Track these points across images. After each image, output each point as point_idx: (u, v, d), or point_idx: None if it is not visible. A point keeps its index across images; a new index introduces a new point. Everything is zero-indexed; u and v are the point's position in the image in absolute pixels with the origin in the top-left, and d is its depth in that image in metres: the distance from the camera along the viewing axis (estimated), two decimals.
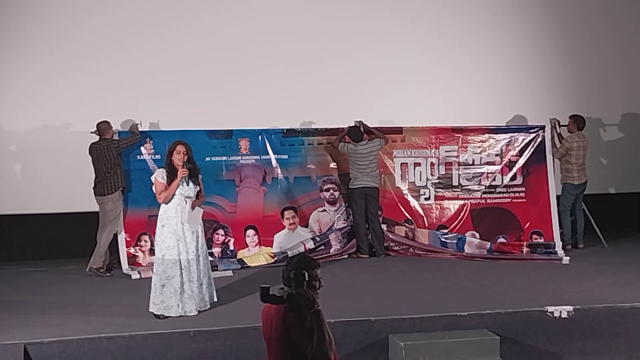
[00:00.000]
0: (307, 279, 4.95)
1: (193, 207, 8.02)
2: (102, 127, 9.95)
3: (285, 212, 10.79)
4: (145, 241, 10.17)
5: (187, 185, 7.99)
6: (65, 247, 10.66)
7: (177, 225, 7.94)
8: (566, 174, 11.31)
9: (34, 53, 10.69)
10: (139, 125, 10.20)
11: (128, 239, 10.17)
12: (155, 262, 8.03)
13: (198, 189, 8.10)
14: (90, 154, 9.94)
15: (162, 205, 8.03)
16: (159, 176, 8.01)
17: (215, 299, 8.23)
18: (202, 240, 8.15)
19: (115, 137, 10.05)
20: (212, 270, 9.52)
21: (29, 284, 9.43)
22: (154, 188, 8.11)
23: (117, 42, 10.89)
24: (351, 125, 10.82)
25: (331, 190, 11.01)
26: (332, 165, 11.05)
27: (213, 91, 11.08)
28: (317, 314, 4.89)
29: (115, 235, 10.07)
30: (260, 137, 10.74)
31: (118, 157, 9.91)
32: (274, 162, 10.78)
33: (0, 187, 10.63)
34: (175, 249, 7.92)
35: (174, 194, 7.95)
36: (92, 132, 9.97)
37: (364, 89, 11.50)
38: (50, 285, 9.37)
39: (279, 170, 10.79)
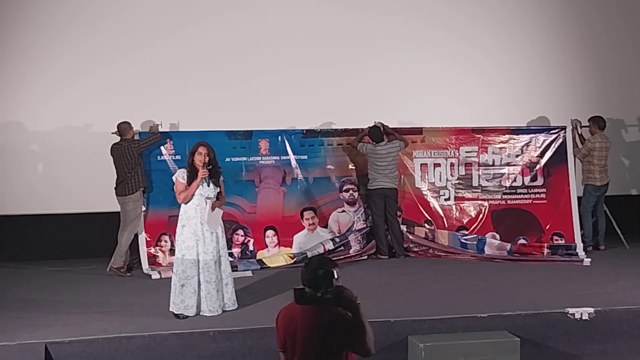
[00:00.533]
0: (335, 277, 4.98)
1: (213, 208, 8.04)
2: (123, 128, 9.99)
3: (305, 213, 10.80)
4: (166, 241, 10.21)
5: (208, 186, 8.01)
6: (86, 247, 10.71)
7: (197, 226, 7.96)
8: (588, 175, 11.25)
9: (55, 54, 10.74)
10: (159, 126, 10.24)
11: (148, 239, 10.21)
12: (175, 262, 8.06)
13: (218, 190, 8.12)
14: (111, 154, 9.99)
15: (182, 206, 8.06)
16: (180, 176, 8.05)
17: (235, 307, 8.17)
18: (223, 241, 8.17)
19: (136, 137, 10.09)
20: (232, 271, 9.56)
21: (50, 283, 9.48)
22: (174, 188, 8.15)
23: (137, 42, 10.93)
24: (371, 125, 10.81)
25: (350, 191, 11.00)
26: (351, 166, 11.05)
27: (233, 91, 11.09)
28: (359, 308, 4.93)
29: (136, 235, 10.10)
30: (280, 137, 10.75)
31: (139, 157, 9.95)
32: (293, 162, 10.79)
33: (22, 187, 10.69)
34: (194, 249, 7.94)
35: (193, 195, 7.98)
36: (113, 133, 10.02)
37: (384, 90, 11.49)
38: (71, 285, 9.41)
39: (298, 171, 10.80)
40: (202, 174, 7.95)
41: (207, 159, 7.98)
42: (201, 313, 7.95)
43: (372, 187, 10.77)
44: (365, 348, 4.88)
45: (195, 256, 7.94)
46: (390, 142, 10.79)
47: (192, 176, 7.98)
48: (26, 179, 10.73)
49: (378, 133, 10.76)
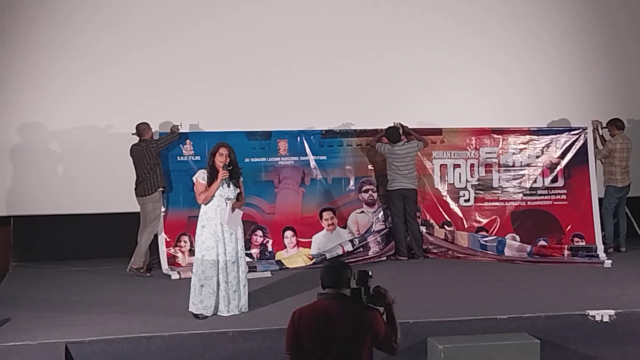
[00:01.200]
0: (370, 276, 5.17)
1: (233, 209, 8.04)
2: (141, 128, 10.02)
3: (324, 213, 10.79)
4: (185, 242, 10.23)
5: (228, 187, 8.02)
6: (106, 248, 10.74)
7: (217, 227, 7.97)
8: (609, 176, 11.18)
9: (73, 54, 10.75)
10: (179, 127, 10.26)
11: (168, 239, 10.23)
12: (195, 262, 8.08)
13: (238, 191, 8.12)
14: (131, 155, 10.02)
15: (202, 206, 8.07)
16: (200, 177, 8.06)
17: (246, 309, 8.15)
18: (242, 242, 8.18)
19: (155, 137, 10.11)
20: (250, 271, 9.56)
21: (70, 283, 9.52)
22: (194, 189, 8.17)
23: (156, 42, 10.93)
24: (390, 126, 10.79)
25: (370, 192, 10.98)
26: (370, 166, 11.03)
27: (252, 92, 11.08)
28: (392, 308, 5.11)
29: (156, 236, 10.13)
30: (299, 138, 10.75)
31: (157, 158, 9.97)
32: (312, 163, 10.78)
33: (40, 188, 10.71)
34: (214, 249, 7.96)
35: (213, 195, 7.99)
36: (132, 134, 10.05)
37: (404, 90, 11.45)
38: (91, 285, 9.45)
39: (317, 172, 10.79)
40: (223, 175, 7.96)
41: (227, 160, 7.99)
42: (218, 313, 7.96)
43: (391, 188, 10.75)
44: (395, 347, 5.09)
45: (215, 257, 7.95)
46: (408, 143, 10.76)
47: (212, 177, 8.00)
48: (45, 179, 10.74)
49: (395, 133, 10.74)
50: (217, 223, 7.97)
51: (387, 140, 10.78)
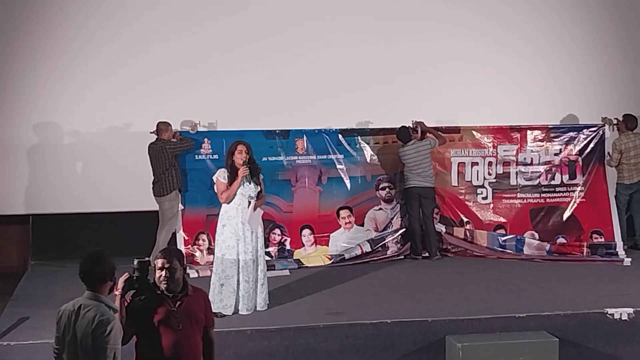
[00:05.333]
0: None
1: (255, 208, 8.04)
2: (160, 127, 10.04)
3: (341, 212, 10.79)
4: (203, 240, 10.24)
5: (249, 184, 8.01)
6: (125, 246, 10.67)
7: (238, 225, 7.96)
8: (617, 174, 11.15)
9: (92, 52, 10.77)
10: (197, 125, 10.28)
11: (186, 237, 10.25)
12: (215, 261, 8.08)
13: (259, 188, 8.11)
14: (148, 153, 10.05)
15: (224, 205, 8.06)
16: (221, 176, 8.04)
17: (266, 307, 8.16)
18: (261, 241, 8.17)
19: (178, 136, 10.13)
20: (269, 270, 9.57)
21: None
22: (215, 188, 8.18)
23: (176, 41, 10.94)
24: (404, 125, 10.76)
25: (387, 189, 10.97)
26: (387, 164, 10.98)
27: (270, 91, 11.07)
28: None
29: (174, 234, 10.16)
30: (316, 137, 10.75)
31: (173, 159, 9.99)
32: (329, 161, 10.78)
33: (59, 187, 10.75)
34: (234, 248, 7.95)
35: (235, 194, 7.98)
36: (151, 132, 10.08)
37: (422, 88, 11.43)
38: None
39: (335, 170, 10.79)
40: (243, 172, 7.93)
41: (247, 157, 7.98)
42: (239, 312, 7.96)
43: (406, 187, 10.74)
44: None
45: (236, 256, 7.96)
46: (419, 141, 10.72)
47: (232, 175, 7.97)
48: (64, 178, 10.78)
49: (405, 134, 10.72)
50: (238, 222, 7.96)
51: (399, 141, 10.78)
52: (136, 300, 5.28)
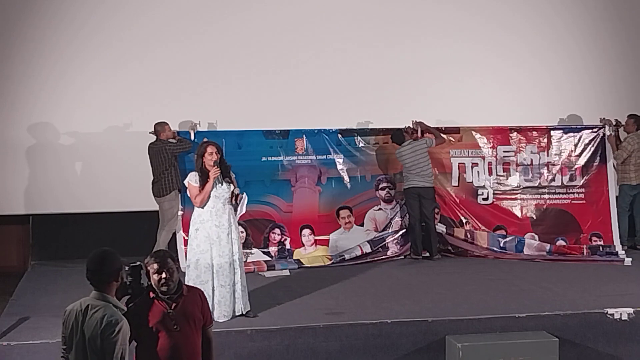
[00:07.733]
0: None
1: (239, 200, 7.91)
2: (157, 129, 10.03)
3: (341, 212, 10.79)
4: None
5: (221, 185, 7.83)
6: (125, 246, 10.66)
7: (211, 229, 7.74)
8: (623, 174, 11.14)
9: (92, 52, 10.79)
10: (197, 125, 10.28)
11: (186, 238, 10.20)
12: (189, 266, 7.83)
13: (232, 188, 7.87)
14: (148, 153, 10.05)
15: (196, 209, 7.86)
16: (192, 180, 7.83)
17: (247, 310, 7.90)
18: (238, 244, 7.90)
19: (177, 136, 10.12)
20: (269, 270, 9.54)
21: None
22: (188, 192, 7.97)
23: (175, 41, 10.96)
24: (398, 128, 10.76)
25: (387, 189, 10.97)
26: (387, 165, 10.99)
27: (270, 91, 11.10)
28: None
29: (174, 234, 10.15)
30: (316, 137, 10.76)
31: (173, 159, 9.99)
32: (329, 161, 10.78)
33: (59, 186, 10.76)
34: (208, 252, 7.74)
35: (209, 197, 7.82)
36: (150, 132, 10.08)
37: (422, 88, 11.45)
38: None
39: (334, 170, 10.79)
40: (214, 174, 7.73)
41: (217, 157, 7.79)
42: (216, 319, 7.52)
43: (405, 187, 10.73)
44: None
45: (210, 260, 7.73)
46: (414, 141, 10.71)
47: (204, 178, 7.77)
48: (63, 177, 10.79)
49: (399, 135, 10.72)
50: (212, 225, 7.74)
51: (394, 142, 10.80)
52: (131, 306, 5.25)
